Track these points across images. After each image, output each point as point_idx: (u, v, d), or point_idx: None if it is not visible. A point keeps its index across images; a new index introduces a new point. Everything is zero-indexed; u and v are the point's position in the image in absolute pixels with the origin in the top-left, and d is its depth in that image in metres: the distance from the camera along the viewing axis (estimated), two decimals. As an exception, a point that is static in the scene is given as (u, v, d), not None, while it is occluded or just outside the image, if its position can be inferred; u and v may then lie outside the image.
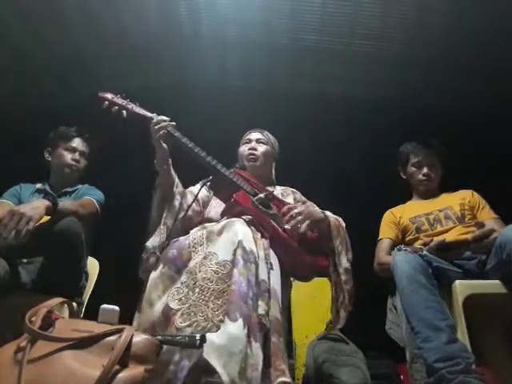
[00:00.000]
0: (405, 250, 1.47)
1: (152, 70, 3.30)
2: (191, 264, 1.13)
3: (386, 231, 1.89)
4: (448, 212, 1.80)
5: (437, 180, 1.94)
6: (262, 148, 1.71)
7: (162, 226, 1.35)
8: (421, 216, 1.83)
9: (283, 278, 1.28)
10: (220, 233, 1.18)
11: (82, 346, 0.75)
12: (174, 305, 1.06)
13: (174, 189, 1.43)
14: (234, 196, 1.35)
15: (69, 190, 1.87)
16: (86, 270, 1.70)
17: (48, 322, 0.81)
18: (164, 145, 1.38)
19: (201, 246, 1.17)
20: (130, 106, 1.44)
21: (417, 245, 1.70)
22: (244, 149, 1.73)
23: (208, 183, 1.48)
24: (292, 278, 2.57)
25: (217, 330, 0.95)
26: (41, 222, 1.34)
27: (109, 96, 1.42)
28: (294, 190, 1.75)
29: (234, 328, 0.93)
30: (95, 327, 0.80)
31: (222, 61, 3.20)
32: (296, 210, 1.39)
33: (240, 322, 0.95)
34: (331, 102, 3.06)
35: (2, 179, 1.86)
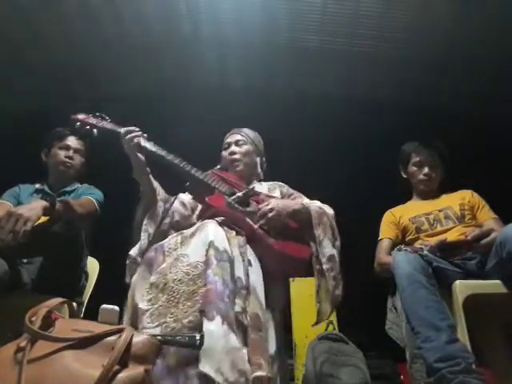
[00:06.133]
0: (405, 250, 1.47)
1: (152, 70, 3.31)
2: (163, 265, 1.14)
3: (386, 231, 1.89)
4: (448, 212, 1.80)
5: (437, 180, 1.93)
6: (242, 149, 1.70)
7: (142, 233, 1.37)
8: (421, 216, 1.83)
9: (271, 275, 1.29)
10: (192, 235, 1.19)
11: (82, 346, 0.75)
12: (143, 305, 1.08)
13: (157, 196, 1.45)
14: (206, 199, 1.37)
15: (68, 189, 1.87)
16: (85, 269, 1.70)
17: (48, 322, 0.81)
18: (139, 155, 1.40)
19: (175, 250, 1.18)
20: (101, 123, 1.50)
21: (417, 245, 1.70)
22: (225, 154, 1.72)
23: (187, 188, 1.51)
24: (292, 279, 2.57)
25: (187, 332, 0.97)
26: (40, 222, 1.34)
27: (80, 117, 1.50)
28: (282, 183, 1.74)
29: (213, 326, 0.95)
30: (95, 327, 0.80)
31: (222, 60, 3.20)
32: (268, 207, 1.39)
33: (218, 319, 0.97)
34: (331, 102, 3.06)
35: (1, 179, 1.86)
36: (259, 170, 1.78)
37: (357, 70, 3.08)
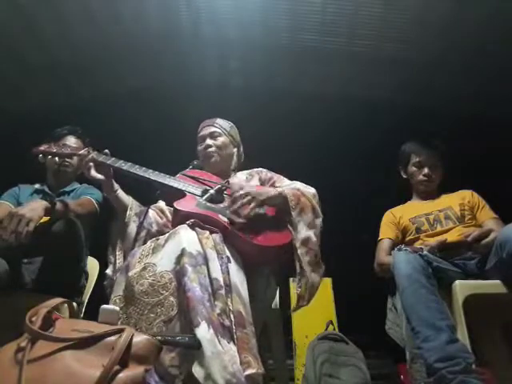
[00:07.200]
0: (405, 250, 1.47)
1: (152, 70, 3.31)
2: (130, 273, 1.13)
3: (386, 231, 1.89)
4: (448, 212, 1.80)
5: (437, 180, 1.93)
6: (217, 142, 1.65)
7: (118, 252, 1.37)
8: (421, 216, 1.83)
9: (254, 269, 1.28)
10: (165, 244, 1.18)
11: (82, 346, 0.75)
12: None
13: (128, 212, 1.43)
14: (174, 204, 1.35)
15: (67, 189, 1.87)
16: (85, 269, 1.70)
17: (48, 322, 0.81)
18: (99, 175, 1.39)
19: (146, 257, 1.17)
20: (61, 150, 1.56)
21: (417, 245, 1.70)
22: (200, 149, 1.68)
23: (159, 197, 1.49)
24: (292, 279, 2.58)
25: None
26: (40, 222, 1.34)
27: (41, 148, 1.52)
28: (260, 169, 1.69)
29: (200, 332, 0.95)
30: (95, 327, 0.80)
31: (222, 60, 3.20)
32: (241, 192, 1.35)
33: (203, 324, 0.96)
34: (331, 102, 3.06)
35: (1, 179, 1.86)
36: (236, 161, 1.73)
37: (357, 70, 3.08)
